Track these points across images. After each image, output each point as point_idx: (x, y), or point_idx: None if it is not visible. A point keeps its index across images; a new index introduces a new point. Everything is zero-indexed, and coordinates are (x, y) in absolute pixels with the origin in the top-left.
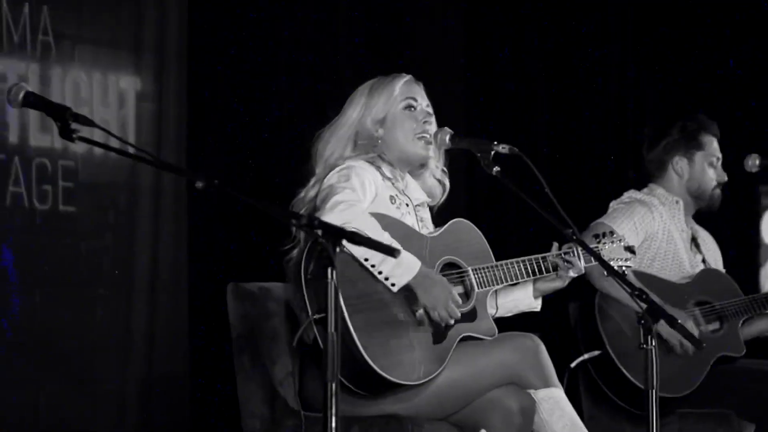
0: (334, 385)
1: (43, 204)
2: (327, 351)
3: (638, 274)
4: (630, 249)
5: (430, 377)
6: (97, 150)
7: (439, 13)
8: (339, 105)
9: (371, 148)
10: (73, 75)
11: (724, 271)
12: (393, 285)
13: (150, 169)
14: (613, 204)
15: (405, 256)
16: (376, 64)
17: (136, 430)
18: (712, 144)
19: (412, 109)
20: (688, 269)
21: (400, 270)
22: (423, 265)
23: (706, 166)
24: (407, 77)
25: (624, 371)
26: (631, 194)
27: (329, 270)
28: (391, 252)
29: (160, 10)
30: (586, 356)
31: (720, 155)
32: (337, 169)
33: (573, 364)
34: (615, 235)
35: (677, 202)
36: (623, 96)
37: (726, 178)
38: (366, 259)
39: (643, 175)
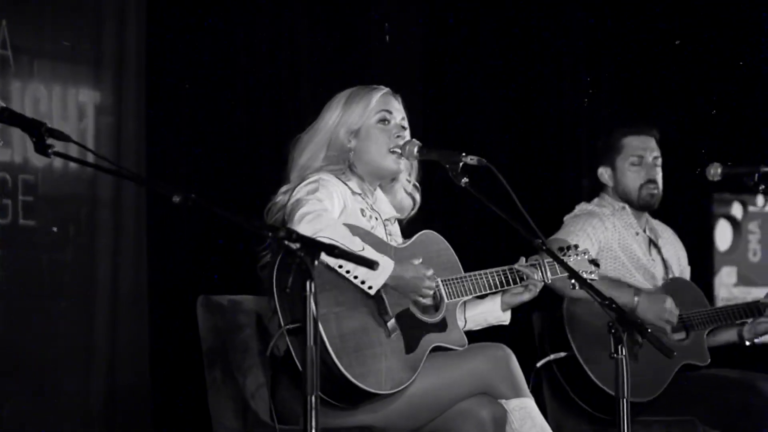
0: (313, 398)
1: (3, 218)
2: (306, 364)
3: (607, 281)
4: (594, 262)
5: (403, 386)
6: (57, 164)
7: (398, 23)
8: (298, 114)
9: (342, 159)
10: (33, 89)
11: (689, 268)
12: (370, 288)
13: (110, 182)
14: (566, 218)
15: (378, 257)
16: (335, 75)
17: None
18: (632, 144)
19: (386, 122)
20: (649, 275)
21: (373, 273)
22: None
23: (626, 168)
24: (385, 90)
25: (590, 374)
26: (582, 207)
27: (308, 283)
28: (369, 264)
29: (119, 24)
30: (552, 357)
31: (643, 153)
32: (305, 182)
33: (539, 364)
34: (579, 249)
35: (623, 208)
36: (578, 105)
37: (655, 175)
38: (340, 266)
39: (595, 186)
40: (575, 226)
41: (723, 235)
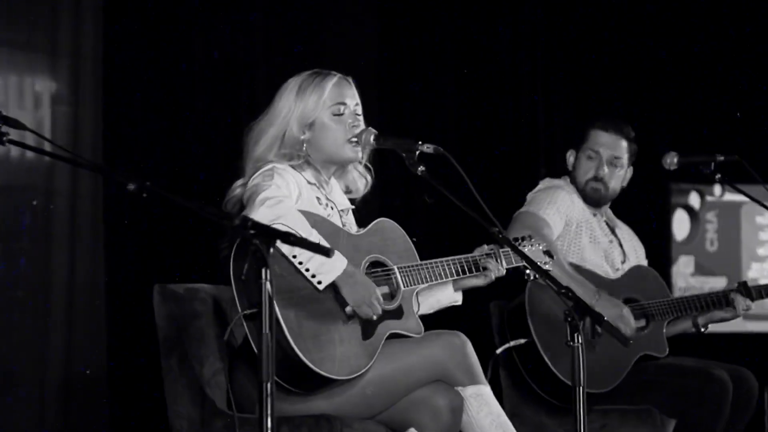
0: (269, 385)
1: None
2: (261, 351)
3: (572, 267)
4: (548, 253)
5: (360, 372)
6: (13, 152)
7: (353, 9)
8: (255, 103)
9: (296, 153)
10: None
11: (646, 262)
12: (319, 283)
13: (67, 171)
14: (530, 194)
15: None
16: (291, 61)
17: None
18: (596, 137)
19: (341, 114)
20: (609, 257)
21: (326, 268)
22: (349, 263)
23: (584, 159)
24: (336, 77)
25: (548, 362)
26: (547, 181)
27: (263, 270)
28: (325, 252)
29: (76, 13)
30: (512, 343)
31: (600, 150)
32: (261, 170)
33: (500, 350)
34: (534, 239)
35: (575, 191)
36: (533, 91)
37: (603, 173)
38: (294, 256)
39: (553, 172)
40: (543, 199)
41: (680, 224)
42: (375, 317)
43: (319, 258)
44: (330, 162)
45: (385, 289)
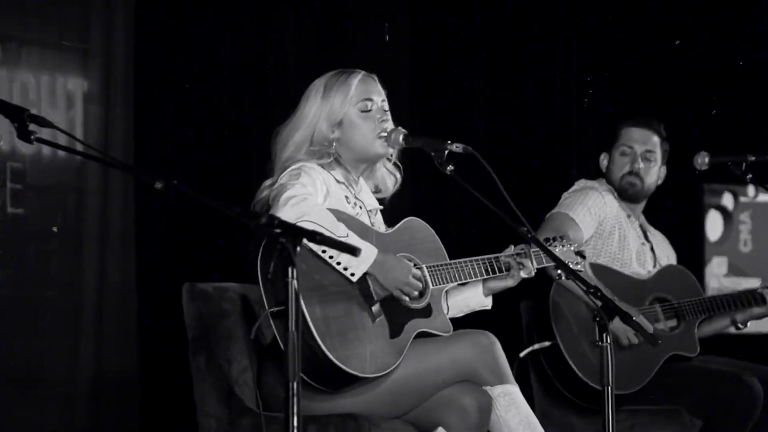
0: (295, 384)
1: None
2: (288, 350)
3: (597, 268)
4: (580, 253)
5: (388, 371)
6: (45, 152)
7: (386, 10)
8: (285, 104)
9: (325, 152)
10: (21, 77)
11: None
12: (352, 275)
13: (98, 171)
14: (565, 194)
15: (361, 244)
16: (322, 61)
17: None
18: (628, 133)
19: (369, 110)
20: (641, 259)
21: (357, 259)
22: (379, 251)
23: (617, 156)
24: (361, 74)
25: (573, 367)
26: (581, 182)
27: (289, 269)
28: (352, 251)
29: (108, 12)
30: (536, 346)
31: (633, 145)
32: (289, 169)
33: (523, 354)
34: (565, 239)
35: (612, 191)
36: (567, 93)
37: (638, 167)
38: (323, 251)
39: (584, 173)
40: (575, 200)
41: (714, 225)
42: (415, 293)
43: None
44: (360, 159)
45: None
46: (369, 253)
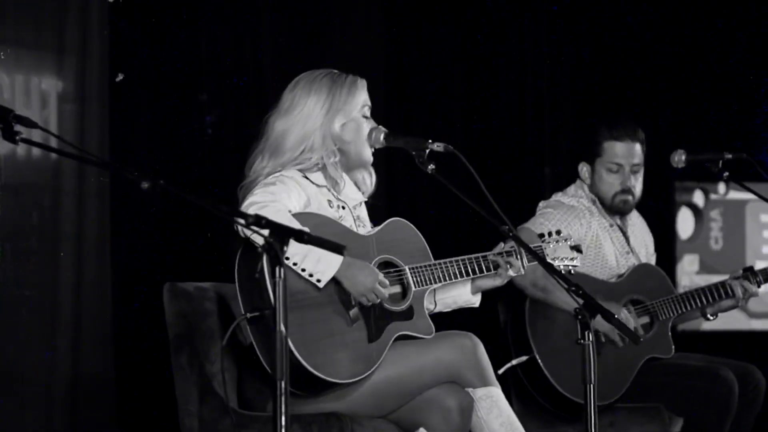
0: (283, 383)
1: None
2: (276, 349)
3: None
4: (576, 248)
5: (364, 375)
6: (20, 151)
7: (360, 8)
8: (261, 101)
9: (314, 157)
10: None
11: (655, 255)
12: (318, 281)
13: (74, 170)
14: (541, 204)
15: (324, 252)
16: (297, 59)
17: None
18: (613, 149)
19: (368, 117)
20: (616, 270)
21: (322, 266)
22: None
23: (604, 173)
24: (364, 81)
25: (550, 378)
26: (559, 198)
27: (278, 269)
28: (338, 249)
29: (82, 12)
30: (514, 362)
31: (622, 162)
32: (265, 180)
33: (501, 371)
34: (561, 235)
35: (594, 201)
36: (539, 93)
37: (630, 184)
38: (287, 258)
39: (557, 174)
40: (548, 219)
41: (685, 223)
42: (379, 300)
43: (313, 256)
44: (352, 163)
45: (397, 288)
46: (333, 258)
